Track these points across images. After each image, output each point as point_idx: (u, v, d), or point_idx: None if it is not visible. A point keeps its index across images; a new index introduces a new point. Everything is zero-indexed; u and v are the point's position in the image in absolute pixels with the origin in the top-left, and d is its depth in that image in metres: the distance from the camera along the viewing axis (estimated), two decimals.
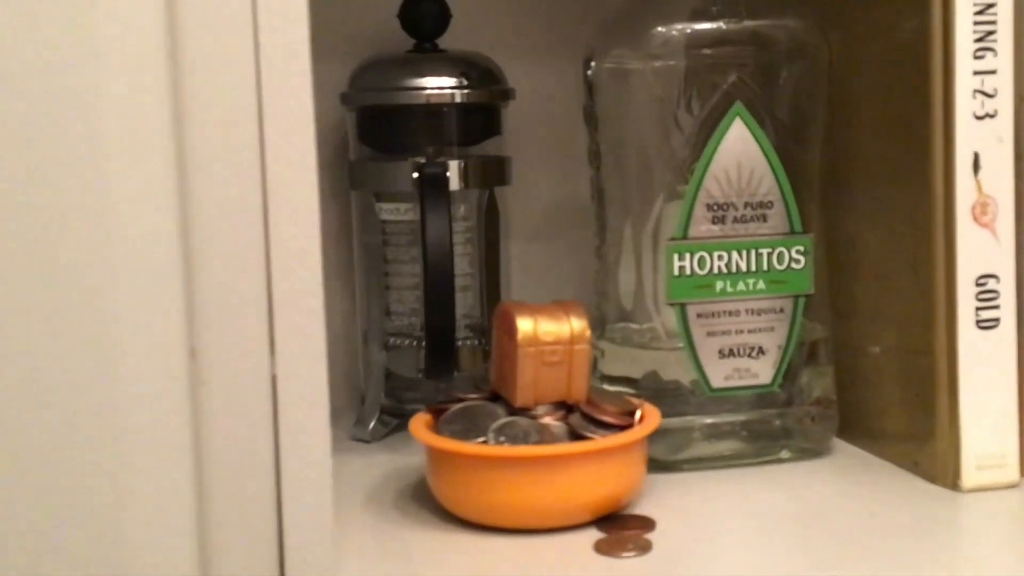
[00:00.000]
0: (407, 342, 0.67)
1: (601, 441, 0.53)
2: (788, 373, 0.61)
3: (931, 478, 0.58)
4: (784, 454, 0.61)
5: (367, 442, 0.67)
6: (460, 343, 0.67)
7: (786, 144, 0.60)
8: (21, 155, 0.37)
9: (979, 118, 0.55)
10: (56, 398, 0.38)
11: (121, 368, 0.38)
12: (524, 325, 0.55)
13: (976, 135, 0.55)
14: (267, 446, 0.40)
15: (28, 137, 0.37)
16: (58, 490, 0.38)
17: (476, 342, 0.68)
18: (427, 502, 0.56)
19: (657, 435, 0.59)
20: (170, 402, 0.38)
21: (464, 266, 0.68)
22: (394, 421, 0.67)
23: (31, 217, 0.37)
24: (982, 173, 0.55)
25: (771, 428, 0.61)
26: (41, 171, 0.37)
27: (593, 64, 0.61)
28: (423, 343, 0.64)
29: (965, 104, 0.55)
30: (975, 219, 0.55)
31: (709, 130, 0.59)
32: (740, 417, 0.61)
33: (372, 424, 0.67)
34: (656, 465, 0.59)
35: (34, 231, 0.37)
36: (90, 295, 0.37)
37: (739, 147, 0.59)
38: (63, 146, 0.37)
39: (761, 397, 0.61)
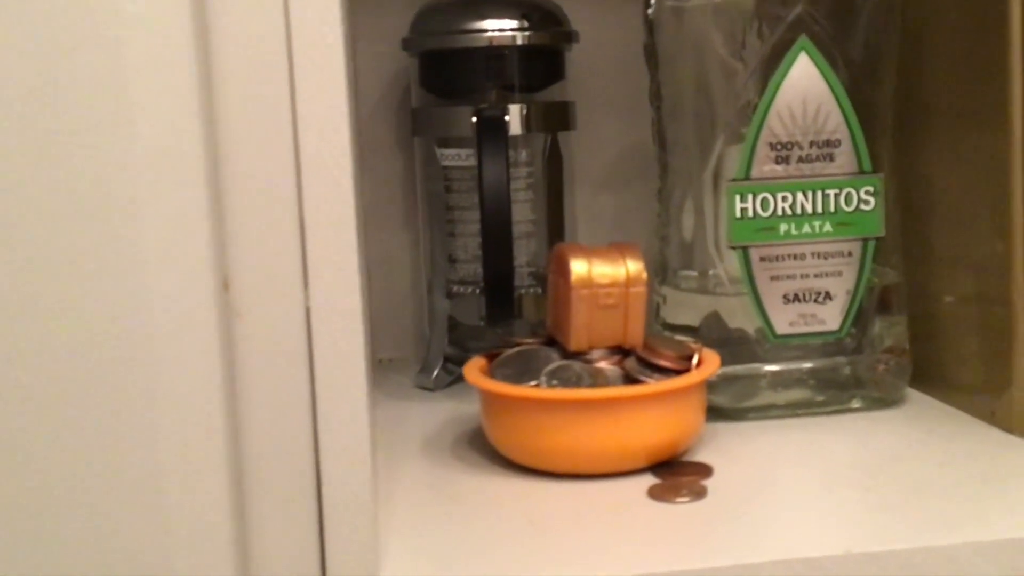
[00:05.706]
0: (470, 290, 0.67)
1: (655, 385, 0.52)
2: (858, 320, 0.59)
3: (1009, 428, 0.55)
4: (855, 403, 0.59)
5: (431, 390, 0.67)
6: (523, 291, 0.66)
7: (857, 80, 0.57)
8: (39, 75, 0.37)
9: None
10: (79, 329, 0.38)
11: (149, 299, 0.38)
12: (578, 267, 0.53)
13: None
14: (303, 380, 0.40)
15: (46, 56, 0.37)
16: (88, 423, 0.38)
17: (540, 290, 0.67)
18: (484, 448, 0.56)
19: (722, 383, 0.57)
20: (201, 335, 0.38)
21: (526, 212, 0.67)
22: (458, 370, 0.66)
23: (50, 138, 0.37)
24: None
25: (841, 376, 0.59)
26: (59, 88, 0.37)
27: (653, 1, 0.59)
28: None
29: None
30: None
31: (773, 67, 0.56)
32: (808, 365, 0.59)
33: (436, 372, 0.67)
34: (721, 414, 0.58)
35: (53, 150, 0.37)
36: (112, 220, 0.37)
37: (804, 83, 0.56)
38: (82, 62, 0.37)
39: (830, 344, 0.59)
